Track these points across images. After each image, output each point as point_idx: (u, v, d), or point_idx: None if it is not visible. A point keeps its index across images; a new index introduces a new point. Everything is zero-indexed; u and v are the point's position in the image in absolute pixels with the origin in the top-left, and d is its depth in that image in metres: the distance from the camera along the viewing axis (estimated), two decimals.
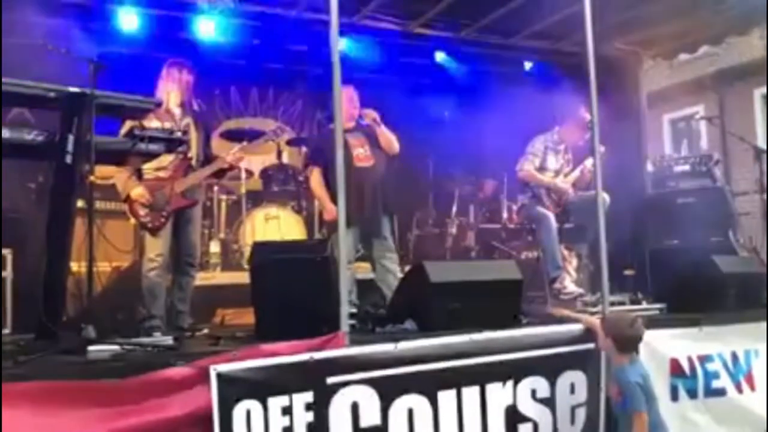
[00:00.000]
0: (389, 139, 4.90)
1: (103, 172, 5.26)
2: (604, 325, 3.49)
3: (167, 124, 4.19)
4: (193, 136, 4.46)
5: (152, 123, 4.08)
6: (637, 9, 6.09)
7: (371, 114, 4.88)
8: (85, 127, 3.11)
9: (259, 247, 3.68)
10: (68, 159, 3.11)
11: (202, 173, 4.45)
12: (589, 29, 4.14)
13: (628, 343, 3.44)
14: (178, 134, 3.63)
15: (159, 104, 3.85)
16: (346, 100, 4.72)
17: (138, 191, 4.22)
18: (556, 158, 5.41)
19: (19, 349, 3.04)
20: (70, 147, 3.10)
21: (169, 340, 3.42)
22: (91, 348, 3.04)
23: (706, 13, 6.05)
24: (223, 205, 6.35)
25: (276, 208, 6.13)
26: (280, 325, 3.28)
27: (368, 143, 4.88)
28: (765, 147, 10.27)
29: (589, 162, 5.15)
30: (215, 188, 6.18)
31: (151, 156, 3.73)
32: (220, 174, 4.70)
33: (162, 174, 4.28)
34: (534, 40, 6.93)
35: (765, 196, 5.64)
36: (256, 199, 6.42)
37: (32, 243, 4.05)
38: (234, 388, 2.82)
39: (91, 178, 3.15)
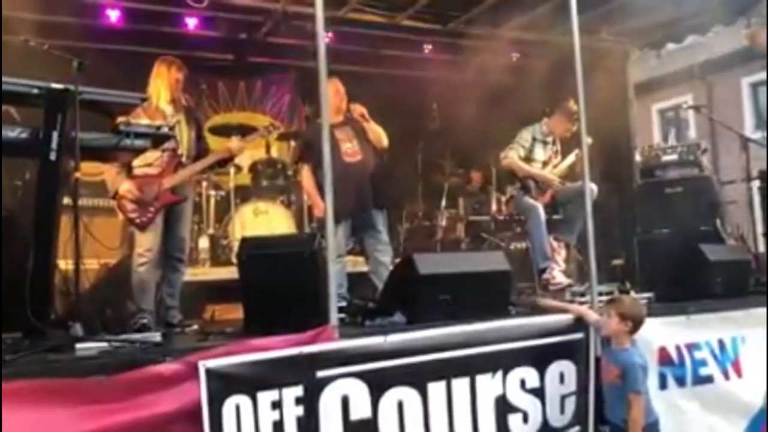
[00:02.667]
0: (378, 134, 4.90)
1: (90, 169, 5.26)
2: (618, 309, 3.48)
3: (157, 122, 4.17)
4: (185, 133, 4.46)
5: (142, 120, 4.06)
6: None
7: (359, 109, 4.87)
8: (69, 124, 3.08)
9: (248, 242, 3.66)
10: (52, 156, 3.08)
11: (192, 169, 4.45)
12: (575, 20, 4.14)
13: (639, 326, 3.50)
14: (165, 130, 3.60)
15: (144, 100, 3.83)
16: (332, 93, 4.70)
17: (126, 187, 4.21)
18: (543, 149, 5.42)
19: (6, 348, 3.02)
20: (54, 144, 3.07)
21: (157, 337, 3.41)
22: (79, 345, 3.02)
23: (692, 2, 6.07)
24: (212, 200, 6.33)
25: (265, 203, 6.12)
26: (269, 319, 3.26)
27: (356, 138, 4.87)
28: (752, 135, 10.34)
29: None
30: (204, 184, 6.16)
31: (138, 152, 3.71)
32: (217, 166, 4.70)
33: (151, 170, 4.26)
34: (521, 31, 6.93)
35: (751, 185, 5.67)
36: (245, 194, 6.40)
37: (18, 241, 4.02)
38: (223, 384, 2.81)
39: (77, 174, 3.12)
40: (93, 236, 3.58)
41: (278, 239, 4.10)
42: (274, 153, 6.73)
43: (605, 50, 7.09)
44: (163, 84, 4.41)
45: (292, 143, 6.81)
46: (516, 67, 7.56)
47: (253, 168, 6.52)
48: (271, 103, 7.87)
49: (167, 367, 2.81)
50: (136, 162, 4.21)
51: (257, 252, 3.49)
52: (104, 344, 3.09)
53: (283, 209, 6.17)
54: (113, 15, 6.09)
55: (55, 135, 3.08)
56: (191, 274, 5.16)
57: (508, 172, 5.48)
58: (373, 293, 4.60)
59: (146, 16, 6.25)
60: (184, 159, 4.43)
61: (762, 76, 13.34)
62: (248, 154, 6.64)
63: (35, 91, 3.07)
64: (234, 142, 4.58)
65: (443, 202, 6.91)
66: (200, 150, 4.55)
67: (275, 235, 4.82)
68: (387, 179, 5.17)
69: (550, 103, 5.50)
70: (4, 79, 3.06)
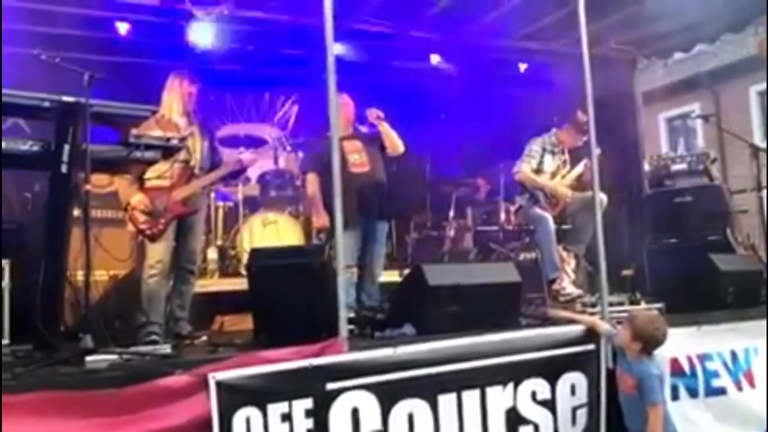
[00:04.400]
0: (393, 139, 4.93)
1: (100, 181, 5.28)
2: (632, 326, 3.47)
3: (170, 134, 4.20)
4: (198, 145, 4.49)
5: (155, 132, 4.10)
6: (631, 8, 6.10)
7: (375, 112, 4.90)
8: (79, 137, 3.10)
9: (257, 253, 3.67)
10: (63, 168, 3.10)
11: (204, 180, 4.46)
12: (584, 29, 4.14)
13: (654, 346, 3.48)
14: (174, 142, 3.62)
15: (154, 112, 3.85)
16: (341, 106, 4.79)
17: (138, 198, 4.23)
18: (553, 160, 5.41)
19: (17, 360, 3.03)
20: (65, 157, 3.09)
21: (167, 349, 3.41)
22: (89, 358, 3.02)
23: (700, 11, 6.05)
24: (221, 211, 6.34)
25: (273, 214, 6.12)
26: (279, 331, 3.26)
27: (364, 149, 4.89)
28: (761, 143, 10.27)
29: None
30: (212, 195, 6.17)
31: (149, 163, 3.73)
32: (229, 178, 4.71)
33: (163, 182, 4.28)
34: (529, 41, 6.93)
35: (762, 194, 5.63)
36: (253, 204, 6.41)
37: (29, 253, 4.04)
38: (233, 396, 2.82)
39: (87, 187, 3.13)
40: (103, 248, 3.57)
41: (287, 250, 4.11)
42: (282, 164, 6.73)
43: (612, 59, 7.07)
44: (176, 97, 4.46)
45: (300, 154, 6.82)
46: (524, 76, 7.57)
47: (262, 179, 6.52)
48: (279, 114, 7.89)
49: (177, 380, 2.81)
50: (148, 174, 4.23)
51: (266, 263, 3.49)
52: (114, 356, 3.09)
53: (291, 220, 6.18)
54: (122, 28, 6.13)
55: (66, 148, 3.10)
56: (200, 285, 5.16)
57: (518, 183, 5.47)
58: (357, 303, 4.60)
59: (155, 29, 6.28)
60: (197, 171, 4.45)
61: None
62: (257, 164, 6.66)
63: (46, 104, 3.09)
64: (245, 154, 4.60)
65: (451, 212, 6.88)
66: (213, 162, 4.58)
67: (284, 247, 4.83)
68: (395, 189, 5.17)
69: (559, 113, 5.49)
70: (15, 92, 3.08)
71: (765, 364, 4.20)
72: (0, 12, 4.65)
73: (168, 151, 3.60)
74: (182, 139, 3.93)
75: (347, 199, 4.59)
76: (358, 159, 4.85)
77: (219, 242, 6.17)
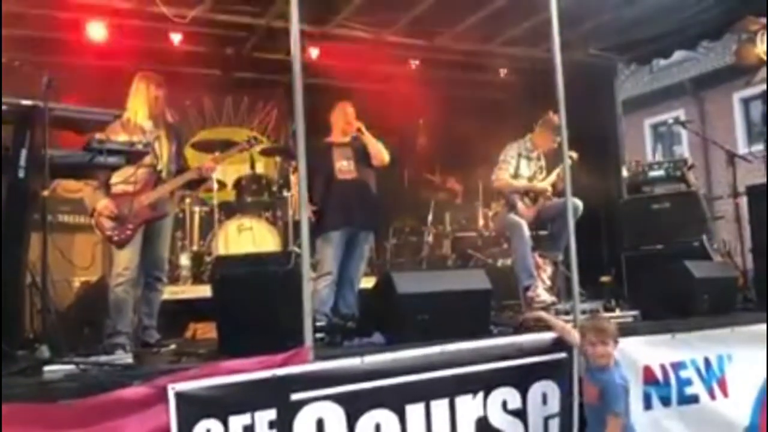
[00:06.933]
0: (378, 149, 4.92)
1: (71, 186, 5.20)
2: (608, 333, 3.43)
3: (135, 138, 4.12)
4: (165, 149, 4.41)
5: (120, 137, 4.02)
6: (609, 14, 6.11)
7: (356, 124, 4.89)
8: (38, 142, 3.03)
9: (221, 261, 3.60)
10: (21, 174, 3.03)
11: (171, 185, 4.39)
12: (556, 35, 4.11)
13: (600, 333, 3.43)
14: (138, 146, 3.55)
15: (117, 116, 3.77)
16: (341, 115, 4.92)
17: (104, 203, 4.13)
18: (529, 165, 5.37)
19: None
20: (22, 162, 3.02)
21: (128, 358, 3.34)
22: (47, 368, 2.94)
23: (678, 18, 6.07)
24: (196, 216, 6.25)
25: (249, 219, 6.04)
26: (244, 341, 3.19)
27: (354, 158, 4.89)
28: (744, 150, 10.31)
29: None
30: (188, 200, 6.09)
31: (112, 168, 3.66)
32: (194, 185, 4.64)
33: (130, 187, 4.20)
34: (508, 47, 6.92)
35: (737, 200, 5.63)
36: (229, 210, 6.33)
37: None
38: (193, 408, 2.76)
39: (45, 192, 3.06)
40: (63, 255, 3.50)
41: (253, 258, 4.02)
42: (259, 169, 6.67)
43: (592, 65, 7.08)
44: (141, 100, 4.37)
45: (278, 159, 6.76)
46: (503, 82, 7.56)
47: (238, 184, 6.45)
48: (258, 118, 7.84)
49: (135, 391, 2.75)
50: (114, 179, 4.15)
51: (230, 272, 3.42)
52: (72, 367, 3.00)
53: (267, 226, 6.10)
54: (98, 31, 6.05)
55: (23, 152, 3.03)
56: (172, 292, 5.08)
57: (496, 191, 5.42)
58: (333, 310, 4.57)
59: (131, 32, 6.21)
60: (164, 175, 4.38)
61: (753, 91, 13.37)
62: (233, 169, 6.61)
63: (3, 107, 3.01)
64: (205, 163, 4.53)
65: (430, 218, 6.84)
66: (179, 166, 4.50)
67: (250, 254, 4.74)
68: (378, 199, 5.14)
69: (536, 118, 5.46)
70: None
71: (753, 371, 4.17)
72: (0, 18, 4.57)
73: (132, 156, 3.52)
74: (147, 144, 3.85)
75: (332, 203, 4.64)
76: (346, 166, 4.87)
77: (194, 248, 6.09)
